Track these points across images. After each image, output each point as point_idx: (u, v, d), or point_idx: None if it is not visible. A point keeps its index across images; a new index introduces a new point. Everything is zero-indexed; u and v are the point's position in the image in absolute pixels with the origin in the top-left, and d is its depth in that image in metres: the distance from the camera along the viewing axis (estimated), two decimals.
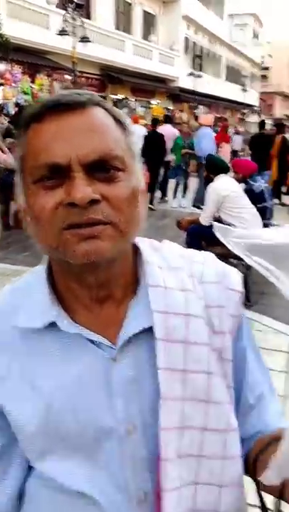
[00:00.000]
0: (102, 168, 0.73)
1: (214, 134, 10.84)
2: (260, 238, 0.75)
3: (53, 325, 0.80)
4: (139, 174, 0.79)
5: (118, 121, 0.78)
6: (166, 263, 0.86)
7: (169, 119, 13.13)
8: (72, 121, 0.73)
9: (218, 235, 0.78)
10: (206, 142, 10.03)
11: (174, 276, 0.85)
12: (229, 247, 0.80)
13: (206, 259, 0.91)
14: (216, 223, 0.80)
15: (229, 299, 0.86)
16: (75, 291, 0.81)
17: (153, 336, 0.79)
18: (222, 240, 0.79)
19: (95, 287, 0.79)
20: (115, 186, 0.73)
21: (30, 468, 0.87)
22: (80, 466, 0.80)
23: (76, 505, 0.80)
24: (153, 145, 10.23)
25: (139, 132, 10.89)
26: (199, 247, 5.27)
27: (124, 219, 0.74)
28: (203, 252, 0.94)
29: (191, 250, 0.93)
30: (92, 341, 0.80)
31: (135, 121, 12.97)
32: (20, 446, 0.84)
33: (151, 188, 10.27)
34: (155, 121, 11.56)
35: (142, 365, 0.80)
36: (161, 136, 10.72)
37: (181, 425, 0.79)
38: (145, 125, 13.54)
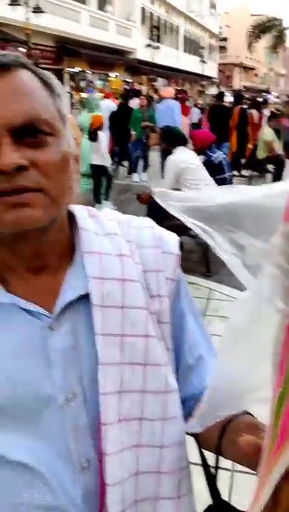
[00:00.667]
0: (30, 133, 0.71)
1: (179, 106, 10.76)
2: (198, 200, 0.76)
3: None
4: (70, 139, 0.78)
5: (46, 83, 0.76)
6: (103, 229, 0.86)
7: (136, 94, 13.14)
8: None
9: (156, 198, 0.78)
10: (170, 114, 9.80)
11: (111, 241, 0.84)
12: (168, 209, 0.80)
13: (143, 224, 0.91)
14: (154, 188, 0.80)
15: (166, 262, 0.87)
16: (8, 261, 0.79)
17: (90, 302, 0.79)
18: (160, 203, 0.79)
19: (29, 256, 0.78)
20: (44, 151, 0.72)
21: None
22: (20, 436, 0.78)
23: (19, 475, 0.78)
24: (122, 119, 10.23)
25: (109, 106, 10.82)
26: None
27: (56, 185, 0.72)
28: (141, 217, 0.94)
29: (130, 216, 0.93)
30: (28, 311, 0.78)
31: (107, 96, 12.80)
32: None
33: (119, 161, 10.12)
34: (125, 96, 11.44)
35: (80, 333, 0.80)
36: (131, 109, 10.76)
37: (121, 389, 0.79)
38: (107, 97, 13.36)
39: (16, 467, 0.78)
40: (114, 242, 0.85)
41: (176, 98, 11.34)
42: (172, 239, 0.91)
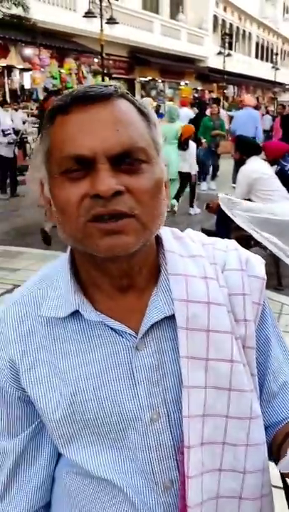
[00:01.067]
0: (127, 160, 0.73)
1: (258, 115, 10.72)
2: (272, 212, 0.72)
3: (76, 313, 0.82)
4: (162, 166, 0.80)
5: (143, 113, 0.79)
6: (188, 251, 0.87)
7: (217, 101, 13.23)
8: (97, 113, 0.73)
9: (223, 206, 0.76)
10: (253, 123, 9.90)
11: (195, 264, 0.85)
12: (235, 219, 0.78)
13: (229, 247, 0.91)
14: (221, 194, 0.78)
15: (252, 286, 0.86)
16: (98, 281, 0.82)
17: (175, 324, 0.80)
18: (226, 211, 0.77)
19: (117, 277, 0.80)
20: (139, 178, 0.74)
21: (59, 455, 0.91)
22: (105, 453, 0.82)
23: (103, 491, 0.83)
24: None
25: (187, 115, 11.17)
26: (229, 231, 5.24)
27: (148, 211, 0.75)
28: (226, 239, 0.94)
29: (214, 238, 0.94)
30: (114, 330, 0.81)
31: (183, 104, 12.97)
32: (48, 433, 0.88)
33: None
34: (200, 104, 11.60)
35: (165, 354, 0.82)
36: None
37: (204, 413, 0.80)
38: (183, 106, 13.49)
39: (100, 483, 0.83)
40: (198, 265, 0.85)
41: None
42: (258, 262, 0.90)
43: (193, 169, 8.15)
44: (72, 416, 0.82)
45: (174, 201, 8.30)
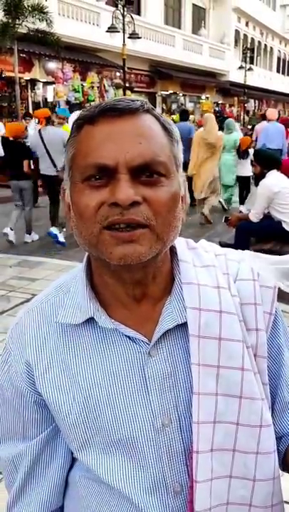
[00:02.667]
0: (146, 172, 0.76)
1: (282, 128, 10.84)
2: None
3: (91, 320, 0.84)
4: (180, 181, 0.82)
5: (166, 129, 0.81)
6: (201, 261, 0.89)
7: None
8: (123, 125, 0.76)
9: (251, 260, 0.78)
10: (281, 136, 10.23)
11: (208, 273, 0.87)
12: (266, 274, 0.81)
13: (241, 257, 0.93)
14: (247, 252, 0.79)
15: (264, 296, 0.87)
16: (112, 288, 0.84)
17: (187, 332, 0.82)
18: (256, 266, 0.79)
19: (131, 285, 0.82)
20: (157, 190, 0.76)
21: (73, 459, 0.93)
22: (116, 461, 0.84)
23: (114, 498, 0.85)
24: None
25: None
26: (248, 244, 5.22)
27: (163, 223, 0.76)
28: (238, 250, 0.96)
29: (227, 249, 0.96)
30: (128, 337, 0.83)
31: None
32: (63, 437, 0.90)
33: None
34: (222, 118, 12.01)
35: (177, 361, 0.83)
36: None
37: (215, 419, 0.81)
38: (193, 121, 13.52)
39: (111, 490, 0.85)
40: (211, 274, 0.87)
41: (265, 119, 11.32)
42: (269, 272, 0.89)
43: (250, 172, 8.52)
44: (86, 420, 0.83)
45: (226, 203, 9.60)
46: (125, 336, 0.83)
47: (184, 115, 10.59)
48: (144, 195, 0.74)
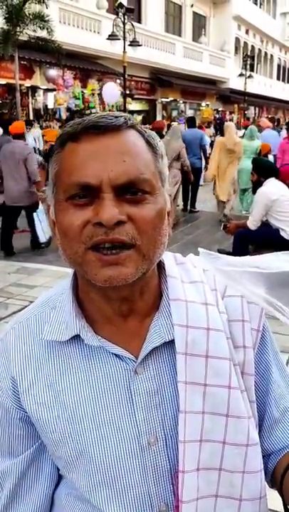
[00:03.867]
0: (131, 190, 0.75)
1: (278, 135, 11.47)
2: (256, 266, 0.73)
3: (77, 337, 0.83)
4: (166, 197, 0.81)
5: (150, 144, 0.80)
6: (189, 277, 0.88)
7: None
8: (106, 143, 0.75)
9: (202, 260, 0.77)
10: (275, 143, 10.50)
11: (196, 290, 0.86)
12: (216, 274, 0.79)
13: (197, 261, 0.91)
14: (201, 249, 0.80)
15: (252, 313, 0.86)
16: (99, 304, 0.83)
17: (174, 349, 0.81)
18: (207, 266, 0.78)
19: (118, 302, 0.81)
20: (142, 208, 0.75)
21: (60, 476, 0.91)
22: (101, 478, 0.82)
23: None
24: None
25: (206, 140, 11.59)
26: (246, 251, 5.22)
27: (148, 241, 0.75)
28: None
29: None
30: (114, 354, 0.82)
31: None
32: (49, 454, 0.89)
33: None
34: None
35: (163, 378, 0.82)
36: None
37: (201, 438, 0.80)
38: (200, 127, 13.71)
39: (95, 509, 0.83)
40: (199, 290, 0.86)
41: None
42: None
43: None
44: (70, 438, 0.82)
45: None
46: (112, 353, 0.82)
47: (191, 122, 10.67)
48: (128, 213, 0.74)
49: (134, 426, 0.81)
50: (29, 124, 12.15)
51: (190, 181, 9.11)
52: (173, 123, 14.90)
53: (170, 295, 0.84)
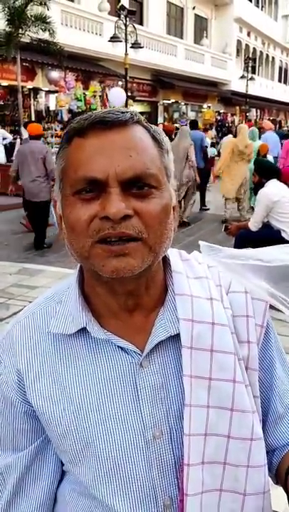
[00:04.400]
0: (137, 185, 0.76)
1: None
2: (259, 258, 0.73)
3: (83, 330, 0.84)
4: (172, 192, 0.82)
5: (156, 140, 0.81)
6: (194, 273, 0.89)
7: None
8: (113, 138, 0.76)
9: (203, 255, 0.78)
10: (276, 146, 10.93)
11: (201, 285, 0.87)
12: (219, 267, 0.79)
13: (199, 255, 0.92)
14: (201, 242, 0.80)
15: (256, 308, 0.87)
16: (105, 299, 0.84)
17: (180, 343, 0.81)
18: (208, 260, 0.78)
19: (124, 296, 0.82)
20: (148, 202, 0.76)
21: (64, 472, 0.91)
22: (106, 471, 0.82)
23: (105, 511, 0.83)
24: None
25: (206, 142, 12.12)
26: None
27: (154, 235, 0.76)
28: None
29: None
30: (120, 347, 0.83)
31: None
32: (54, 449, 0.89)
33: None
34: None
35: (169, 372, 0.83)
36: None
37: (206, 432, 0.80)
38: (204, 130, 13.90)
39: (100, 503, 0.83)
40: (204, 286, 0.87)
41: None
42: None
43: None
44: (76, 431, 0.83)
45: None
46: (117, 346, 0.83)
47: (193, 124, 11.06)
48: (135, 207, 0.74)
49: (139, 419, 0.82)
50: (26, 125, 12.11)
51: (196, 180, 9.28)
52: (175, 125, 14.99)
53: (175, 290, 0.85)
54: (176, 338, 0.83)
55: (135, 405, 0.82)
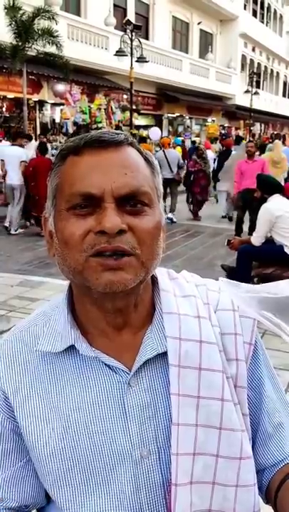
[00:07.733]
0: (131, 202, 0.78)
1: None
2: (268, 291, 0.76)
3: (71, 348, 0.84)
4: (161, 211, 0.84)
5: (148, 161, 0.84)
6: (182, 291, 0.90)
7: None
8: (108, 156, 0.78)
9: (228, 289, 0.83)
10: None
11: (189, 303, 0.87)
12: (239, 301, 0.82)
13: (222, 288, 0.93)
14: (223, 279, 0.82)
15: (244, 326, 0.87)
16: (94, 316, 0.84)
17: (167, 361, 0.81)
18: (232, 294, 0.80)
19: (113, 314, 0.82)
20: (141, 219, 0.78)
21: (48, 499, 0.90)
22: (93, 493, 0.81)
23: None
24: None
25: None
26: (250, 267, 5.20)
27: (147, 251, 0.78)
28: (218, 281, 0.96)
29: (207, 279, 0.96)
30: (108, 366, 0.83)
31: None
32: (37, 472, 0.87)
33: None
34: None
35: (157, 390, 0.83)
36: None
37: (194, 451, 0.80)
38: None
39: None
40: (192, 304, 0.87)
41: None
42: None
43: None
44: (64, 450, 0.82)
45: None
46: (105, 365, 0.83)
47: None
48: (129, 223, 0.76)
49: (127, 438, 0.81)
50: (29, 137, 12.08)
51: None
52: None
53: (163, 308, 0.86)
54: (164, 356, 0.82)
55: (123, 424, 0.81)
